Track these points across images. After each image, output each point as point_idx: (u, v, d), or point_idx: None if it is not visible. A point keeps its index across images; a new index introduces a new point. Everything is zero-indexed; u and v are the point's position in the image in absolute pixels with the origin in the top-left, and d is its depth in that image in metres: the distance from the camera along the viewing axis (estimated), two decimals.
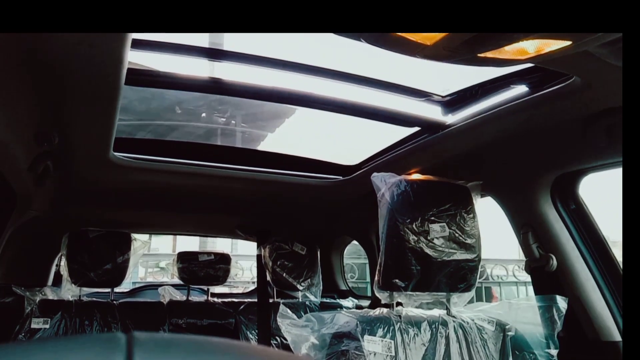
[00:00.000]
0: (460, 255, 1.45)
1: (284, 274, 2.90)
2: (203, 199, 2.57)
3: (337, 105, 1.78)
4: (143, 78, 1.66)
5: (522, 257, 1.82)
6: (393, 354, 1.34)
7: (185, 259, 3.08)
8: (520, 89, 1.44)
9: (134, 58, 1.32)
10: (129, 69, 1.24)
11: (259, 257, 3.03)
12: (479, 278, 1.53)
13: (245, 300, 3.07)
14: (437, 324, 1.45)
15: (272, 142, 2.34)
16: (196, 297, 3.08)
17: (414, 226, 1.41)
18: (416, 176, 1.54)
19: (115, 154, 1.89)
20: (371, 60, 1.65)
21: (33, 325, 2.35)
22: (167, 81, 1.75)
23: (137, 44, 1.35)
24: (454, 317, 1.50)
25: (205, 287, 3.20)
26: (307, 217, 2.99)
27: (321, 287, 2.99)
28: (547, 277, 1.68)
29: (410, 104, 1.80)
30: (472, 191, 1.55)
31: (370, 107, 1.78)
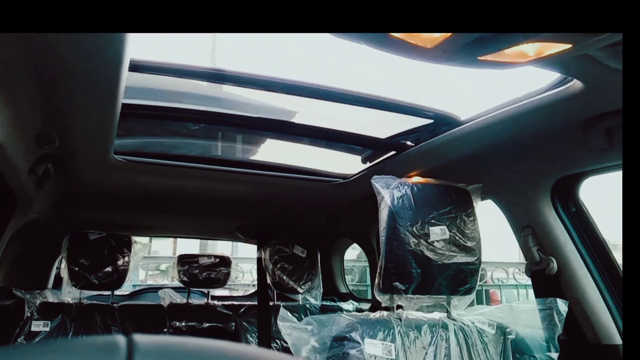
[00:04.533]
0: (461, 258, 1.45)
1: (285, 277, 2.90)
2: (203, 201, 2.57)
3: (340, 97, 1.79)
4: (140, 112, 1.81)
5: (523, 259, 1.82)
6: (393, 357, 1.34)
7: (186, 262, 3.08)
8: (520, 91, 1.44)
9: (135, 55, 1.34)
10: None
11: (259, 259, 3.03)
12: (479, 281, 1.53)
13: (246, 303, 3.08)
14: (437, 327, 1.45)
15: (272, 147, 2.36)
16: (196, 300, 3.08)
17: (414, 229, 1.41)
18: (416, 179, 1.54)
19: (116, 156, 1.89)
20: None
21: (33, 328, 2.35)
22: (166, 114, 1.90)
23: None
24: (454, 320, 1.50)
25: (205, 290, 3.20)
26: (308, 219, 2.99)
27: (321, 290, 2.99)
28: (548, 280, 1.68)
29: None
30: (473, 194, 1.55)
31: (377, 100, 1.80)
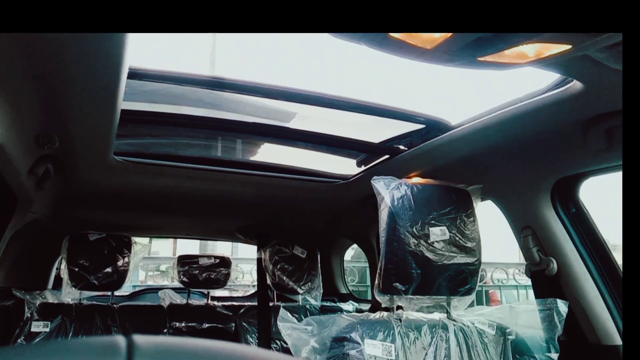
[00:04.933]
0: (461, 258, 1.45)
1: (284, 278, 2.90)
2: (203, 202, 2.57)
3: (340, 104, 1.83)
4: (139, 118, 1.86)
5: (523, 260, 1.82)
6: (393, 357, 1.34)
7: (186, 263, 3.08)
8: (519, 92, 1.45)
9: (135, 61, 1.34)
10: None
11: (259, 260, 3.03)
12: (479, 282, 1.53)
13: (246, 303, 3.08)
14: (437, 327, 1.45)
15: (272, 148, 2.38)
16: (196, 301, 3.08)
17: (414, 230, 1.41)
18: (416, 180, 1.54)
19: (116, 157, 1.89)
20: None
21: (33, 329, 2.35)
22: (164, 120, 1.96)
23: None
24: (454, 320, 1.49)
25: (205, 291, 3.20)
26: (308, 220, 2.99)
27: (321, 291, 2.99)
28: (548, 281, 1.68)
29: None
30: (473, 195, 1.55)
31: (374, 106, 1.85)
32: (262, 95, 1.77)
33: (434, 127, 1.83)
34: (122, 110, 1.43)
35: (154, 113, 1.89)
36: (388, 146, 2.08)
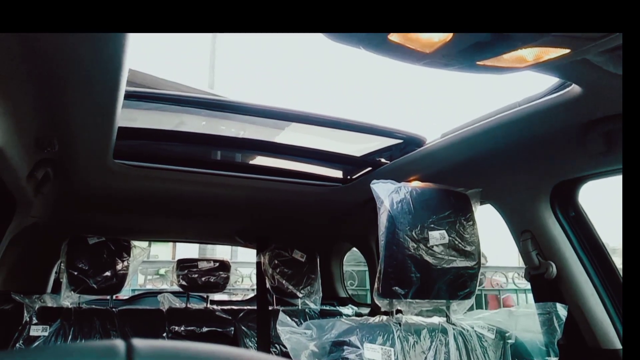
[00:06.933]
0: (460, 262, 1.45)
1: (284, 281, 2.90)
2: (203, 206, 2.57)
3: (328, 122, 1.94)
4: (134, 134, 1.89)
5: (522, 264, 1.82)
6: None
7: (185, 266, 3.08)
8: (519, 96, 1.45)
9: (135, 65, 1.35)
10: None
11: (258, 264, 3.03)
12: (478, 285, 1.53)
13: (245, 307, 3.07)
14: (437, 331, 1.45)
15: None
16: (195, 305, 3.07)
17: (413, 233, 1.41)
18: (416, 183, 1.54)
19: (115, 160, 1.89)
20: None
21: (32, 333, 2.34)
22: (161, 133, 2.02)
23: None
24: (453, 324, 1.49)
25: (204, 295, 3.19)
26: (307, 224, 2.99)
27: (321, 295, 2.98)
28: (547, 285, 1.67)
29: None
30: (472, 198, 1.55)
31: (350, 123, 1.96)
32: (256, 115, 1.93)
33: (410, 142, 1.95)
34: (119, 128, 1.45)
35: (150, 130, 1.95)
36: (370, 159, 2.20)
